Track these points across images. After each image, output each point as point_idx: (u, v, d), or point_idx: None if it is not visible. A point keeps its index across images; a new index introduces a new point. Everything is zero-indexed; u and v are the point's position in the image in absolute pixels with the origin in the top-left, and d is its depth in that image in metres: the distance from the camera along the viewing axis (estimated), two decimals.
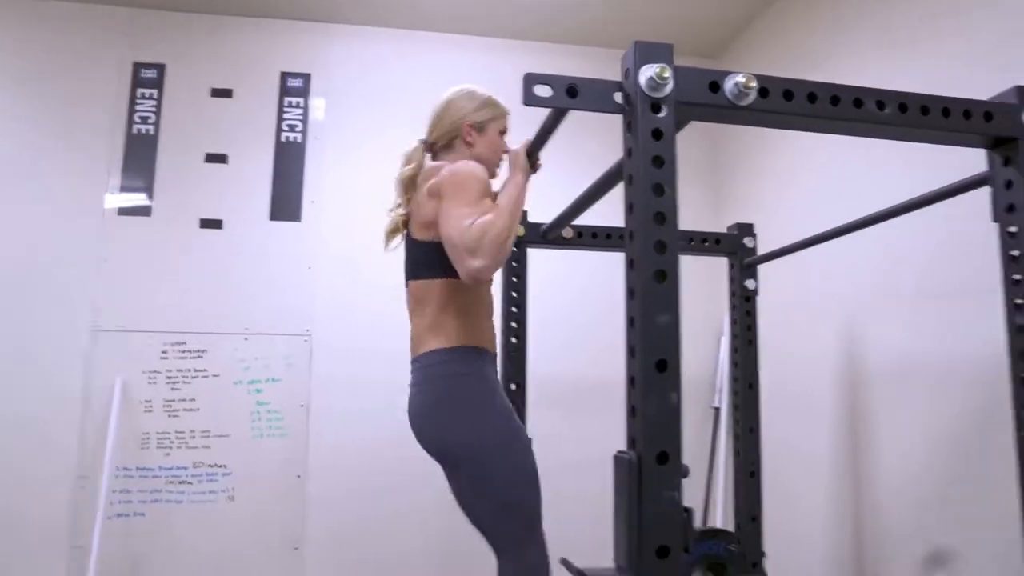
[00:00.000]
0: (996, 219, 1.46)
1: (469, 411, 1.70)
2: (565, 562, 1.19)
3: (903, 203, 1.79)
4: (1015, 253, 1.41)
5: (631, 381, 1.18)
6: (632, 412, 1.17)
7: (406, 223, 1.86)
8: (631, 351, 1.19)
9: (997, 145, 1.45)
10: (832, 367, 2.70)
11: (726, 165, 3.66)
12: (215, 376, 3.15)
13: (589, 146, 3.21)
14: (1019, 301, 1.40)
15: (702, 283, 3.43)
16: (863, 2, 2.67)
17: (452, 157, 1.87)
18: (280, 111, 3.36)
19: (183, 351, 3.14)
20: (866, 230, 1.98)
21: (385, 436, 3.14)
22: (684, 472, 1.15)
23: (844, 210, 2.04)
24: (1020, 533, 1.36)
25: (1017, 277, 1.40)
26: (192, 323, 3.16)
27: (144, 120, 3.25)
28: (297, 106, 3.38)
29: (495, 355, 1.86)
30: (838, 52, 2.79)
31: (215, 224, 3.24)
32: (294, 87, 3.39)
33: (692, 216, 3.50)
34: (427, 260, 1.78)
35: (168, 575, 2.98)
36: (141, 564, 2.97)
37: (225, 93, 3.32)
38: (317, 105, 3.40)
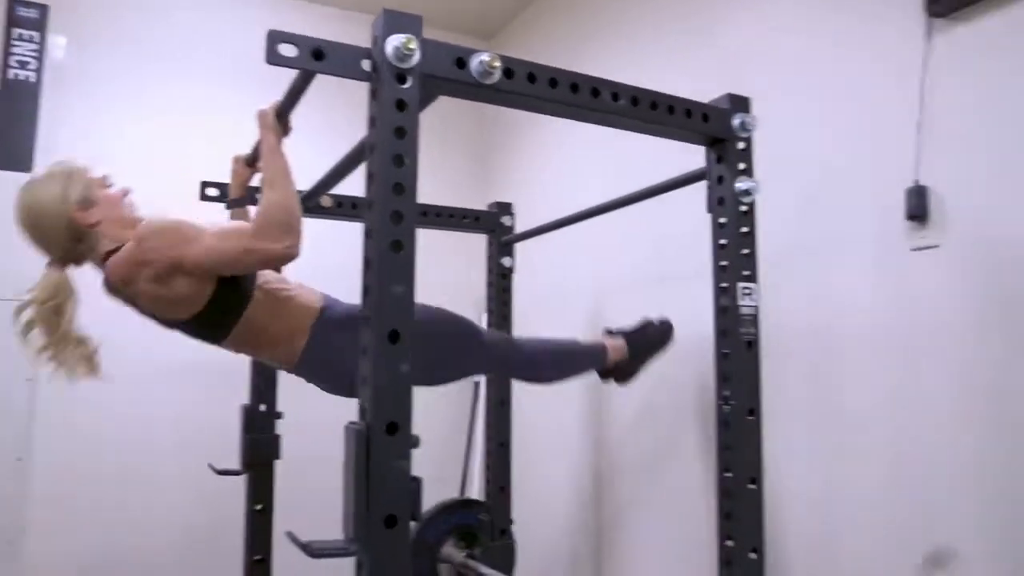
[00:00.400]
0: (710, 210, 1.62)
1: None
2: (290, 535, 1.17)
3: (637, 192, 1.94)
4: (723, 241, 1.58)
5: (363, 351, 1.18)
6: (363, 382, 1.17)
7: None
8: (365, 320, 1.19)
9: (713, 143, 1.61)
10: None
11: (493, 144, 3.77)
12: None
13: (355, 112, 3.14)
14: (724, 284, 1.57)
15: (468, 260, 3.50)
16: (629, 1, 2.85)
17: (103, 246, 1.60)
18: (7, 44, 2.94)
19: None
20: (614, 214, 2.13)
21: (134, 401, 2.91)
22: (414, 442, 1.17)
23: (597, 194, 2.17)
24: (714, 493, 1.54)
25: (724, 263, 1.58)
26: None
27: None
28: (30, 40, 2.97)
29: (330, 298, 1.78)
30: (604, 41, 2.95)
31: None
32: (26, 18, 2.97)
33: (460, 193, 3.57)
34: (215, 320, 1.60)
35: None
36: None
37: None
38: (57, 43, 3.01)
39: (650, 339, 2.15)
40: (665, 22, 2.62)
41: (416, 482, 1.14)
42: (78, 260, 1.62)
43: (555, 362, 2.04)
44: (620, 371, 2.15)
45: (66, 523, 2.85)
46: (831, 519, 1.88)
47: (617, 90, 1.46)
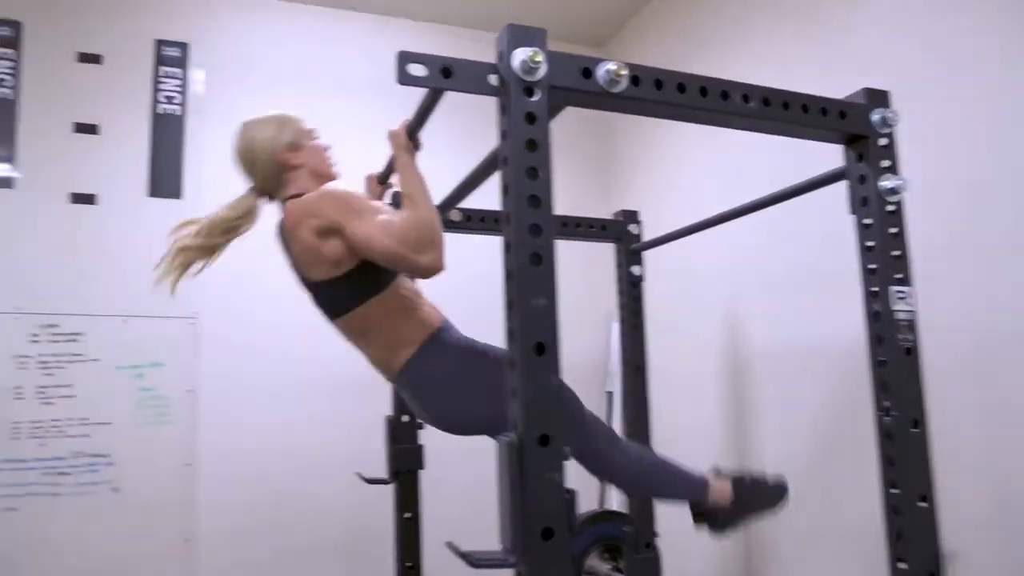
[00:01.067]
0: (852, 211, 1.54)
1: (473, 380, 1.70)
2: (451, 545, 1.20)
3: (773, 194, 1.87)
4: (869, 243, 1.50)
5: (511, 364, 1.20)
6: (513, 395, 1.19)
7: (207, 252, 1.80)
8: (510, 334, 1.20)
9: (851, 142, 1.53)
10: (716, 350, 2.81)
11: (617, 153, 3.73)
12: (94, 360, 2.99)
13: (479, 127, 3.20)
14: (874, 289, 1.49)
15: (597, 269, 3.49)
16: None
17: (290, 188, 1.77)
18: (156, 81, 3.19)
19: (56, 334, 2.96)
20: (745, 219, 2.06)
21: (282, 414, 3.09)
22: (566, 455, 1.18)
23: (727, 199, 2.11)
24: (881, 504, 1.46)
25: (872, 266, 1.49)
26: (66, 304, 2.97)
27: (0, 83, 3.01)
28: (175, 77, 3.21)
29: (449, 323, 1.84)
30: (720, 44, 2.88)
31: (88, 199, 3.05)
32: (171, 56, 3.22)
33: (584, 202, 3.57)
34: (342, 294, 1.70)
35: (47, 572, 2.83)
36: (16, 562, 2.81)
37: (93, 59, 3.11)
38: (197, 77, 3.24)
39: (760, 496, 1.93)
40: (786, 16, 2.51)
41: (570, 494, 1.15)
42: (271, 194, 1.81)
43: (647, 475, 1.88)
44: (716, 516, 1.91)
45: (231, 525, 3.06)
46: (1010, 534, 1.74)
47: (748, 91, 1.42)
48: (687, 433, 2.97)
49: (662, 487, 1.93)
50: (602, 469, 1.85)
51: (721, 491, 1.90)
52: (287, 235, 1.73)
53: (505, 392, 1.21)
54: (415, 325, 1.73)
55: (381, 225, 1.57)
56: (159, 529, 2.97)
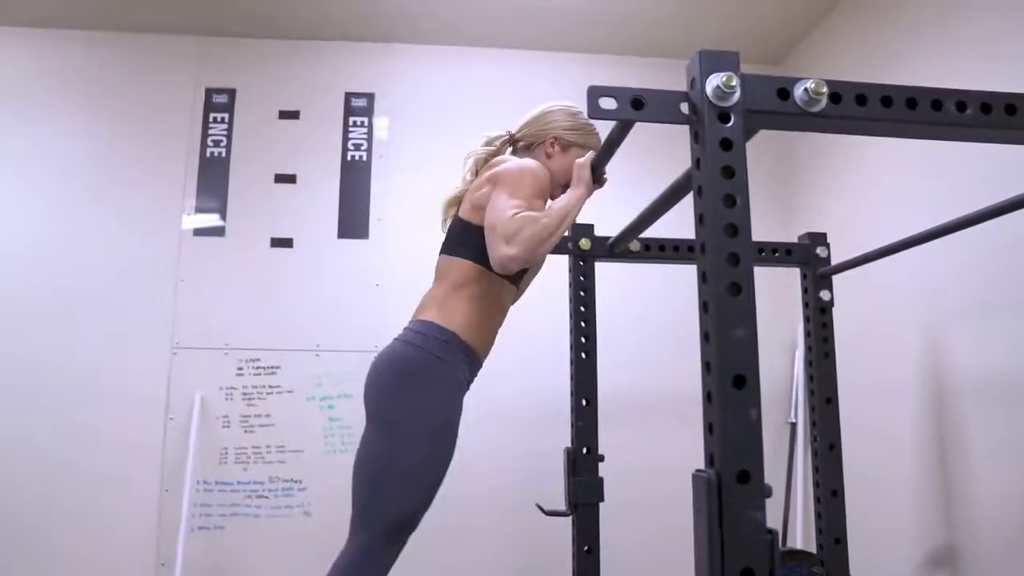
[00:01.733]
0: None
1: (422, 393, 1.70)
2: None
3: (982, 210, 1.70)
4: None
5: (707, 397, 1.15)
6: (710, 429, 1.14)
7: (461, 200, 1.90)
8: (707, 366, 1.16)
9: None
10: (913, 381, 2.59)
11: (796, 174, 3.57)
12: (288, 392, 3.23)
13: (652, 158, 3.18)
14: None
15: (772, 294, 3.34)
16: (925, 2, 2.58)
17: (526, 154, 1.94)
18: (345, 131, 3.44)
19: (258, 367, 3.23)
20: (945, 238, 1.89)
21: (462, 447, 3.16)
22: (767, 492, 1.12)
23: (920, 218, 1.96)
24: None
25: None
26: (266, 340, 3.24)
27: (216, 143, 3.37)
28: (362, 125, 3.45)
29: (481, 362, 1.87)
30: (902, 55, 2.70)
31: (286, 243, 3.33)
32: (358, 107, 3.46)
33: (762, 227, 3.43)
34: (463, 239, 1.82)
35: None
36: (223, 574, 3.05)
37: (292, 115, 3.42)
38: (381, 124, 3.47)
39: None
40: (972, 14, 2.31)
41: (772, 534, 1.08)
42: (515, 145, 2.01)
43: None
44: None
45: (404, 555, 3.15)
46: None
47: (964, 99, 1.30)
48: (881, 469, 2.74)
49: None
50: None
51: None
52: (486, 166, 1.87)
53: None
54: (468, 316, 1.77)
55: (505, 205, 1.66)
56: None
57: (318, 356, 3.25)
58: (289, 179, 3.37)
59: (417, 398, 1.70)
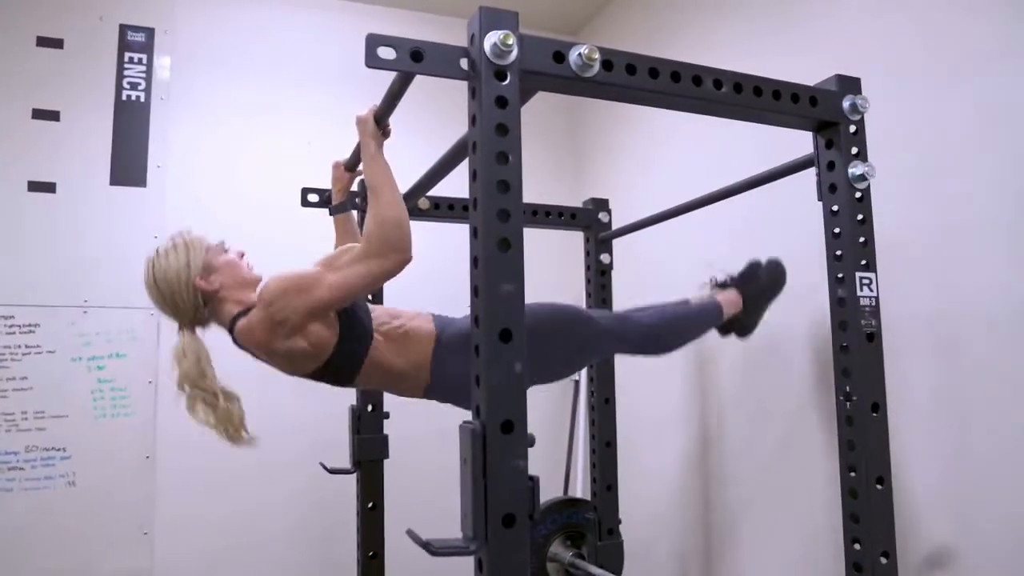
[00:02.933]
0: (820, 198, 1.55)
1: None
2: (411, 533, 1.18)
3: (740, 182, 1.88)
4: (836, 230, 1.51)
5: (475, 350, 1.18)
6: (477, 381, 1.17)
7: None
8: (475, 320, 1.18)
9: (821, 128, 1.54)
10: None
11: (589, 140, 3.73)
12: (50, 352, 2.91)
13: (449, 114, 3.18)
14: (840, 275, 1.50)
15: (568, 257, 3.49)
16: None
17: (227, 310, 1.67)
18: (120, 67, 3.11)
19: (11, 325, 2.88)
20: (713, 207, 2.07)
21: (246, 405, 3.03)
22: (530, 441, 1.16)
23: (698, 188, 2.12)
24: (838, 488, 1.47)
25: (838, 252, 1.51)
26: (22, 295, 2.89)
27: None
28: (140, 63, 3.14)
29: (441, 317, 1.85)
30: (693, 33, 2.88)
31: (47, 187, 2.97)
32: (135, 42, 3.14)
33: (555, 190, 3.57)
34: (345, 362, 1.64)
35: (3, 568, 2.75)
36: None
37: (54, 43, 3.03)
38: (162, 63, 3.17)
39: (763, 285, 2.10)
40: (759, 5, 2.53)
41: (533, 481, 1.13)
42: (204, 323, 1.71)
43: (673, 330, 2.00)
44: (739, 324, 2.10)
45: (190, 517, 2.99)
46: (962, 521, 1.76)
47: (720, 77, 1.41)
48: (651, 421, 2.98)
49: (691, 332, 2.05)
50: (640, 345, 1.96)
51: (731, 303, 2.07)
52: (261, 354, 1.65)
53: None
54: (416, 348, 1.71)
55: (336, 271, 1.54)
56: (116, 522, 2.90)
57: (86, 313, 2.96)
58: (51, 115, 3.00)
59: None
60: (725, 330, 2.12)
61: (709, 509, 2.68)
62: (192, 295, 1.65)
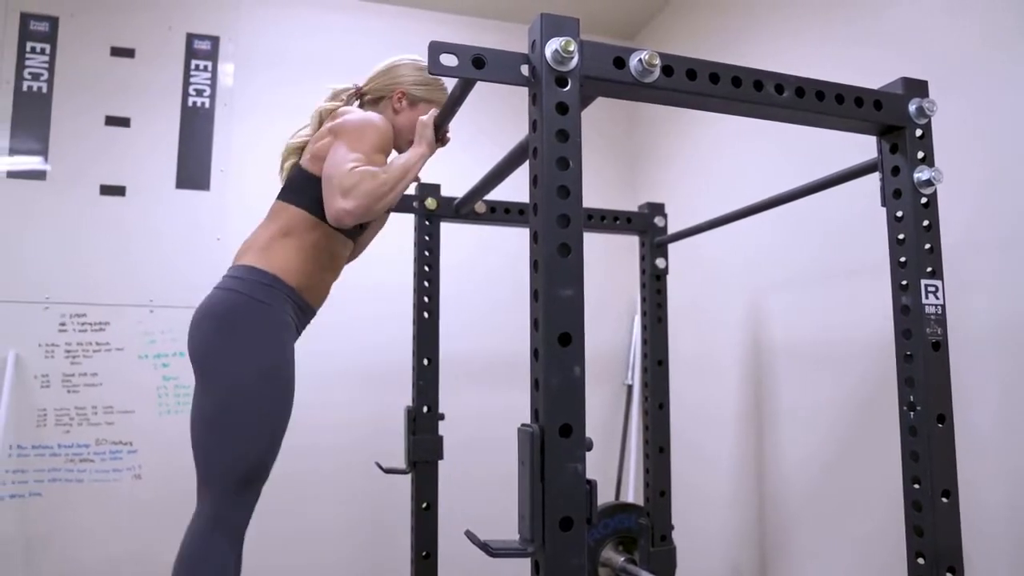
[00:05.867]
0: (884, 204, 1.52)
1: (245, 338, 1.65)
2: (469, 534, 1.19)
3: (801, 187, 1.85)
4: (901, 236, 1.48)
5: (534, 354, 1.19)
6: (536, 385, 1.18)
7: (302, 150, 1.85)
8: (534, 324, 1.20)
9: (885, 132, 1.51)
10: (738, 345, 2.79)
11: (644, 146, 3.72)
12: (119, 350, 3.02)
13: (507, 119, 3.21)
14: (904, 282, 1.47)
15: (619, 261, 3.49)
16: None
17: (373, 107, 1.91)
18: (187, 75, 3.22)
19: (83, 323, 3.00)
20: (772, 211, 2.04)
21: (302, 404, 3.09)
22: (588, 445, 1.17)
23: (753, 191, 2.10)
24: (900, 500, 1.44)
25: (903, 259, 1.47)
26: (93, 294, 3.02)
27: (35, 77, 3.06)
28: (205, 70, 3.25)
29: (312, 310, 1.84)
30: (750, 36, 2.85)
31: (117, 191, 3.09)
32: (201, 50, 3.25)
33: (609, 195, 3.57)
34: (299, 187, 1.79)
35: (71, 556, 2.86)
36: (39, 545, 2.84)
37: (126, 53, 3.15)
38: (226, 70, 3.27)
39: None
40: (820, 7, 2.49)
41: (591, 485, 1.14)
42: (364, 102, 1.99)
43: None
44: None
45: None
46: None
47: (781, 82, 1.40)
48: (705, 428, 2.95)
49: None
50: None
51: None
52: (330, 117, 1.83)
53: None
54: (294, 263, 1.73)
55: (344, 157, 1.65)
56: (181, 515, 2.98)
57: (152, 312, 3.07)
58: (122, 122, 3.12)
59: (239, 344, 1.64)
60: None
61: (763, 519, 2.64)
62: (386, 88, 1.91)
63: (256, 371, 1.63)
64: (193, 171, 3.18)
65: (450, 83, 1.50)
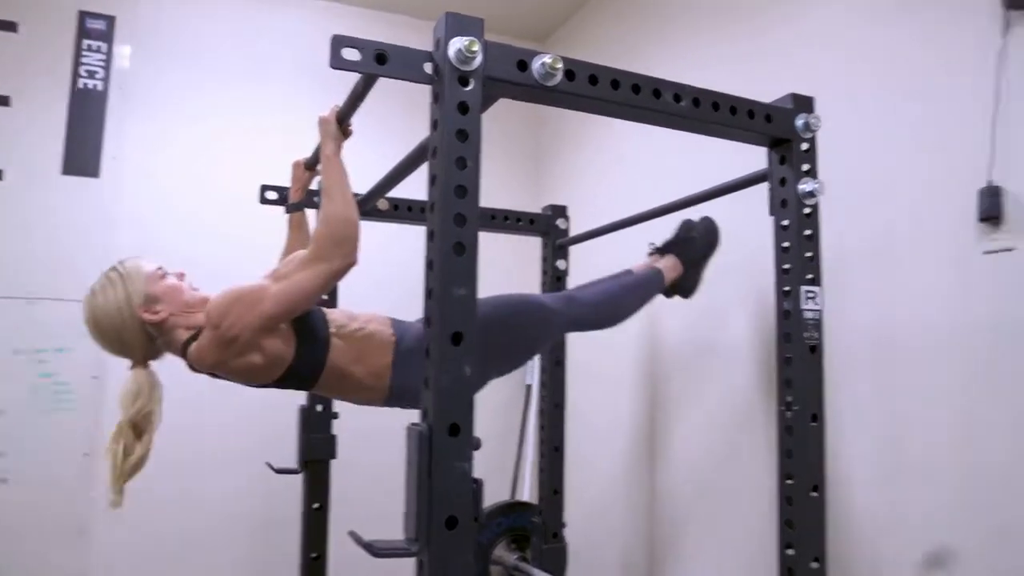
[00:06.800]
0: (772, 213, 1.59)
1: None
2: (353, 535, 1.17)
3: (696, 194, 1.92)
4: (786, 244, 1.55)
5: (426, 353, 1.18)
6: (426, 384, 1.17)
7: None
8: (427, 322, 1.19)
9: (775, 145, 1.58)
10: (634, 348, 2.86)
11: (549, 147, 3.76)
12: None
13: (410, 117, 3.17)
14: (786, 288, 1.54)
15: (524, 262, 3.50)
16: None
17: (177, 336, 1.60)
18: (77, 54, 3.04)
19: None
20: (667, 217, 2.10)
21: (188, 406, 2.97)
22: (476, 444, 1.17)
23: (656, 197, 2.15)
24: (775, 495, 1.51)
25: (786, 266, 1.55)
26: None
27: None
28: (98, 51, 3.08)
29: (398, 322, 1.84)
30: (654, 45, 2.93)
31: None
32: (95, 29, 3.08)
33: (516, 195, 3.58)
34: (305, 370, 1.61)
35: None
36: None
37: (8, 26, 2.94)
38: (122, 52, 3.11)
39: (699, 245, 2.20)
40: (723, 21, 2.58)
41: (477, 484, 1.14)
42: (156, 355, 1.65)
43: (620, 303, 2.09)
44: (682, 287, 2.21)
45: (130, 517, 2.91)
46: (896, 536, 1.81)
47: (679, 91, 1.44)
48: (601, 428, 3.01)
49: (637, 302, 2.14)
50: (592, 322, 2.06)
51: (672, 268, 2.18)
52: (220, 373, 1.60)
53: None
54: (376, 353, 1.68)
55: (281, 280, 1.52)
56: (52, 520, 2.82)
57: (30, 304, 2.88)
58: (2, 101, 2.92)
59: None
60: (669, 294, 2.22)
61: (653, 516, 2.71)
62: (140, 328, 1.58)
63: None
64: (82, 157, 3.01)
65: (351, 80, 1.46)
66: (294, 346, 1.58)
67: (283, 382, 1.63)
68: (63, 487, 2.84)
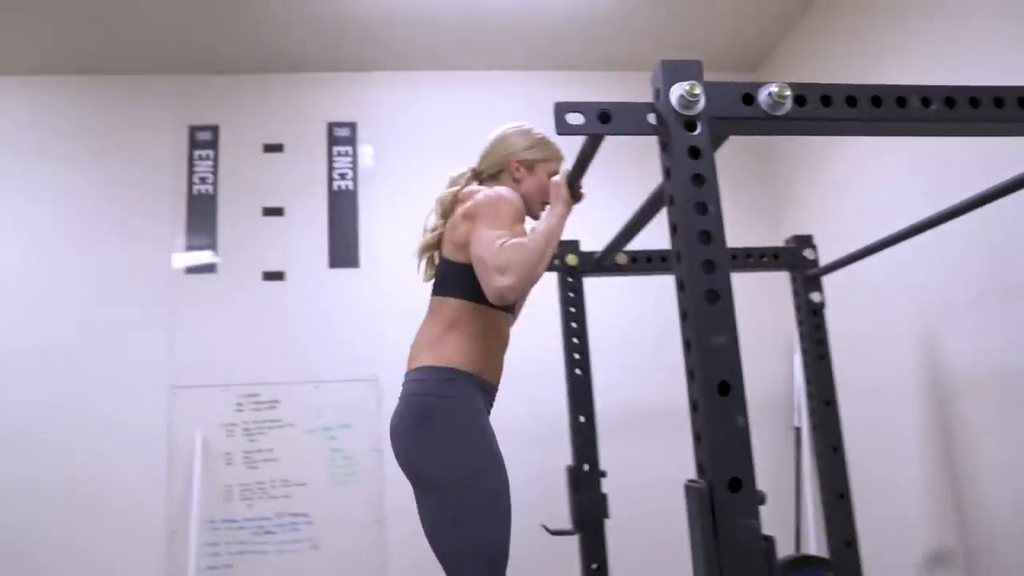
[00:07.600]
0: None
1: (447, 435, 1.67)
2: None
3: (966, 200, 1.70)
4: None
5: (694, 406, 1.15)
6: (698, 438, 1.14)
7: (440, 243, 1.86)
8: (690, 375, 1.16)
9: None
10: (912, 376, 2.58)
11: (780, 177, 3.58)
12: (290, 425, 3.22)
13: (636, 169, 3.18)
14: None
15: (770, 297, 3.33)
16: (891, 6, 2.60)
17: (498, 182, 1.89)
18: (330, 161, 3.46)
19: (257, 402, 3.22)
20: (933, 230, 1.89)
21: None
22: (760, 499, 1.11)
23: (905, 212, 1.96)
24: None
25: None
26: (263, 374, 3.24)
27: (203, 180, 3.38)
28: (346, 154, 3.47)
29: (494, 387, 1.84)
30: (875, 57, 2.71)
31: (277, 276, 3.33)
32: (341, 136, 3.48)
33: (749, 231, 3.44)
34: (451, 279, 1.78)
35: None
36: None
37: (276, 148, 3.43)
38: (365, 152, 3.49)
39: None
40: (941, 18, 2.33)
41: (769, 541, 1.07)
42: (482, 179, 1.93)
43: None
44: None
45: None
46: None
47: (927, 94, 1.31)
48: (887, 462, 2.72)
49: None
50: None
51: None
52: (457, 204, 1.82)
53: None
54: (465, 351, 1.74)
55: (490, 236, 1.63)
56: None
57: (317, 388, 3.25)
58: (277, 212, 3.38)
59: (446, 442, 1.67)
60: None
61: (968, 563, 2.38)
62: (502, 160, 1.89)
63: (470, 463, 1.67)
64: (343, 250, 3.38)
65: (574, 141, 1.50)
66: (468, 262, 1.72)
67: (444, 267, 1.83)
68: (361, 551, 3.13)
